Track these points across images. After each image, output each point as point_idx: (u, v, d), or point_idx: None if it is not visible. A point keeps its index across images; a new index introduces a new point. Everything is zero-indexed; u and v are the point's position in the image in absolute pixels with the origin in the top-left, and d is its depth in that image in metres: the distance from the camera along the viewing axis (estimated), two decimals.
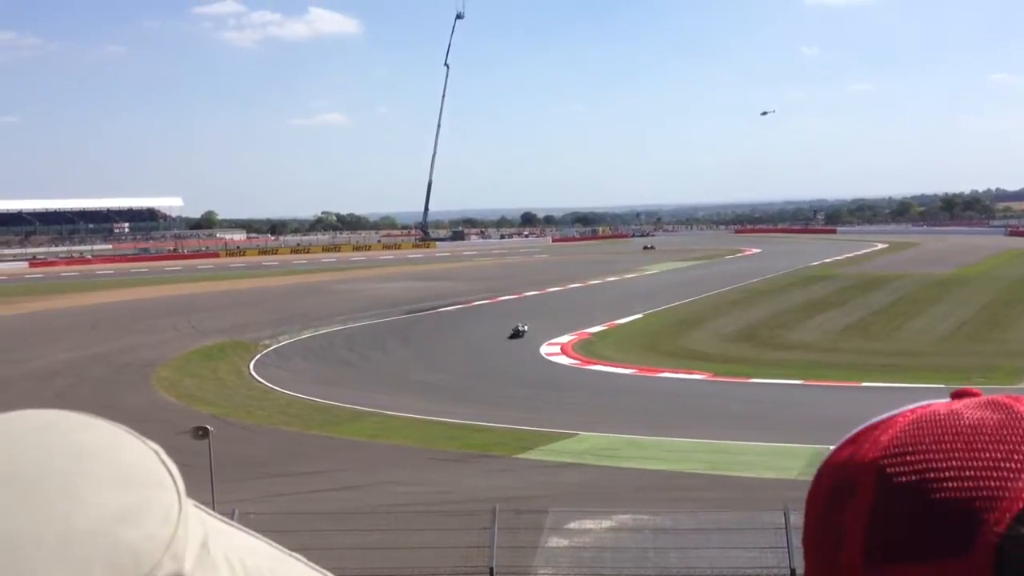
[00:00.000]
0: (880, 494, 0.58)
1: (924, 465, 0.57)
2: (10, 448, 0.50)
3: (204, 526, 0.52)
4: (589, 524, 14.11)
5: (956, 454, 0.57)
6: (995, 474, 0.56)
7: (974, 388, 0.64)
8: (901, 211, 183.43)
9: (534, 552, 12.82)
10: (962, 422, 0.60)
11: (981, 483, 0.56)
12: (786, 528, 10.94)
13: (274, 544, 0.58)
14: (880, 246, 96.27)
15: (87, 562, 0.45)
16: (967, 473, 0.56)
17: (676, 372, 29.80)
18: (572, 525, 13.99)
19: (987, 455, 0.57)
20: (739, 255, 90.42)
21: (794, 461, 17.54)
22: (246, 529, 0.58)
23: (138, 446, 0.53)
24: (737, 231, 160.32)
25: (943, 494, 0.56)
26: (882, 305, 45.40)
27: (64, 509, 0.47)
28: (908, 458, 0.58)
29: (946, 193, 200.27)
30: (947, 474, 0.56)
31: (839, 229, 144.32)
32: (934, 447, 0.58)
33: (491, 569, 11.33)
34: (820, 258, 78.36)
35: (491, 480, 17.92)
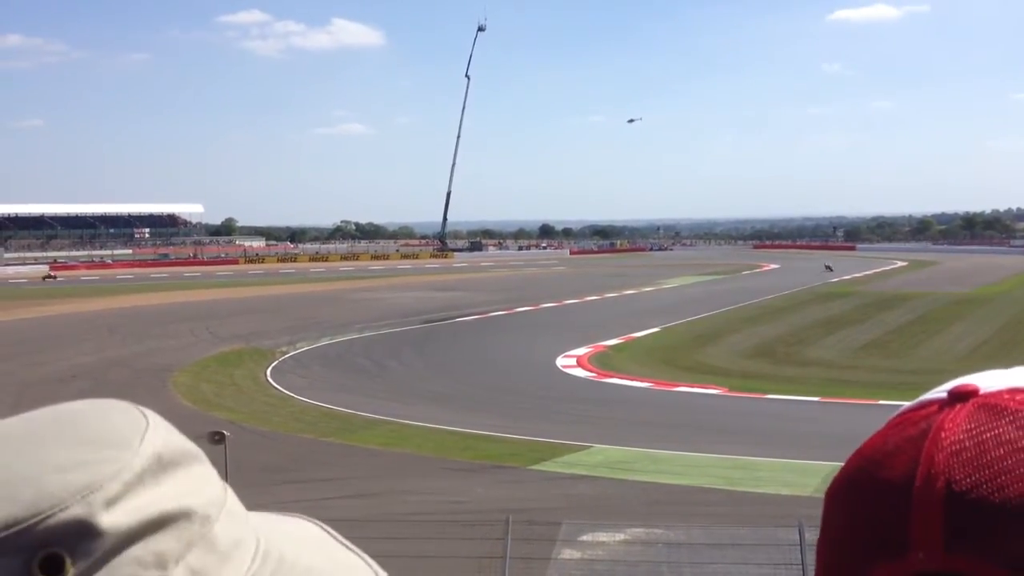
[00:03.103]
0: (951, 498, 0.54)
1: (995, 468, 0.55)
2: (25, 418, 0.55)
3: (205, 509, 0.55)
4: (603, 537, 14.08)
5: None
6: None
7: (972, 384, 0.61)
8: (921, 229, 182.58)
9: (547, 564, 12.79)
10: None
11: None
12: (800, 544, 10.88)
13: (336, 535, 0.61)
14: (900, 264, 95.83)
15: None
16: None
17: (692, 386, 29.71)
18: (585, 538, 13.97)
19: None
20: (757, 271, 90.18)
21: (810, 478, 17.44)
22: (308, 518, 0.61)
23: (131, 417, 0.56)
24: (755, 246, 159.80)
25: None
26: (901, 323, 45.20)
27: (15, 462, 0.51)
28: (976, 461, 0.55)
29: (967, 212, 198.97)
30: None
31: (859, 246, 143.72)
32: (1002, 450, 0.55)
33: None
34: (839, 275, 78.06)
35: (504, 491, 17.89)
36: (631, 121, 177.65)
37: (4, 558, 0.48)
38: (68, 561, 0.49)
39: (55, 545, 0.49)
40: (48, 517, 0.49)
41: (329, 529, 0.62)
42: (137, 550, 0.51)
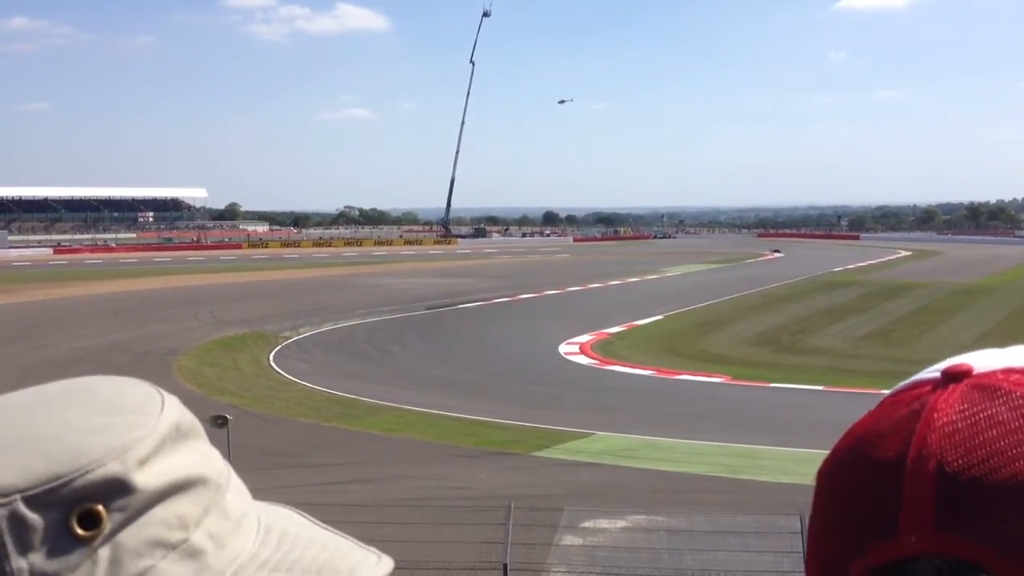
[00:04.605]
0: (943, 479, 0.54)
1: (987, 449, 0.54)
2: (40, 388, 0.59)
3: (218, 478, 0.58)
4: (604, 523, 14.09)
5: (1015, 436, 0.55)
6: None
7: (965, 364, 0.60)
8: (926, 219, 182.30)
9: (548, 550, 12.81)
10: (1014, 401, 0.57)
11: None
12: (802, 533, 10.87)
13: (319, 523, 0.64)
14: (903, 253, 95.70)
15: (27, 453, 0.52)
16: None
17: (695, 375, 29.69)
18: (587, 524, 13.98)
19: None
20: (761, 259, 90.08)
21: (812, 467, 16.92)
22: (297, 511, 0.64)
23: (145, 390, 0.59)
24: (759, 235, 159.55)
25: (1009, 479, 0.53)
26: (904, 312, 45.14)
27: (38, 423, 0.54)
28: (969, 442, 0.55)
29: (971, 202, 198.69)
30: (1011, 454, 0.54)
31: (863, 236, 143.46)
32: (993, 430, 0.55)
33: (505, 565, 11.33)
34: (843, 264, 77.96)
35: (507, 477, 17.92)
36: (561, 102, 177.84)
37: (45, 511, 0.50)
38: (104, 515, 0.52)
39: (93, 499, 0.51)
40: (88, 472, 0.51)
41: (311, 517, 0.64)
42: (162, 511, 0.54)
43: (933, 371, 0.62)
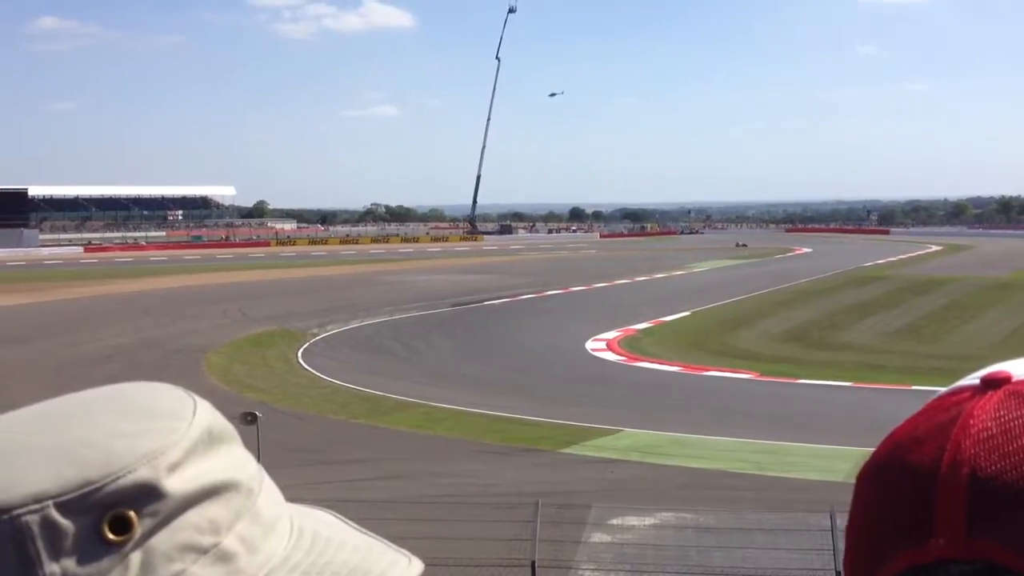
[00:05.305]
0: (975, 485, 0.55)
1: (1021, 456, 0.55)
2: (76, 396, 0.59)
3: (250, 482, 0.59)
4: (632, 520, 14.06)
5: None
6: None
7: (1005, 371, 0.61)
8: (956, 213, 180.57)
9: (576, 547, 12.81)
10: None
11: None
12: (832, 530, 10.80)
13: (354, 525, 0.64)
14: (934, 248, 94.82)
15: (60, 460, 0.53)
16: None
17: (723, 371, 29.56)
18: (615, 521, 13.96)
19: None
20: (790, 254, 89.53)
21: (842, 463, 17.29)
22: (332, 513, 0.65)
23: (178, 395, 0.60)
24: (788, 230, 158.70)
25: None
26: (935, 308, 44.70)
27: (72, 430, 0.55)
28: (1002, 448, 0.56)
29: (1002, 195, 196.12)
30: None
31: (892, 230, 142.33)
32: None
33: (533, 562, 11.33)
34: (873, 259, 77.35)
35: (534, 474, 17.92)
36: (552, 95, 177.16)
37: (77, 517, 0.51)
38: (135, 520, 0.53)
39: (124, 505, 0.52)
40: (118, 478, 0.52)
41: (346, 519, 0.64)
42: (194, 515, 0.54)
43: (973, 378, 0.62)
